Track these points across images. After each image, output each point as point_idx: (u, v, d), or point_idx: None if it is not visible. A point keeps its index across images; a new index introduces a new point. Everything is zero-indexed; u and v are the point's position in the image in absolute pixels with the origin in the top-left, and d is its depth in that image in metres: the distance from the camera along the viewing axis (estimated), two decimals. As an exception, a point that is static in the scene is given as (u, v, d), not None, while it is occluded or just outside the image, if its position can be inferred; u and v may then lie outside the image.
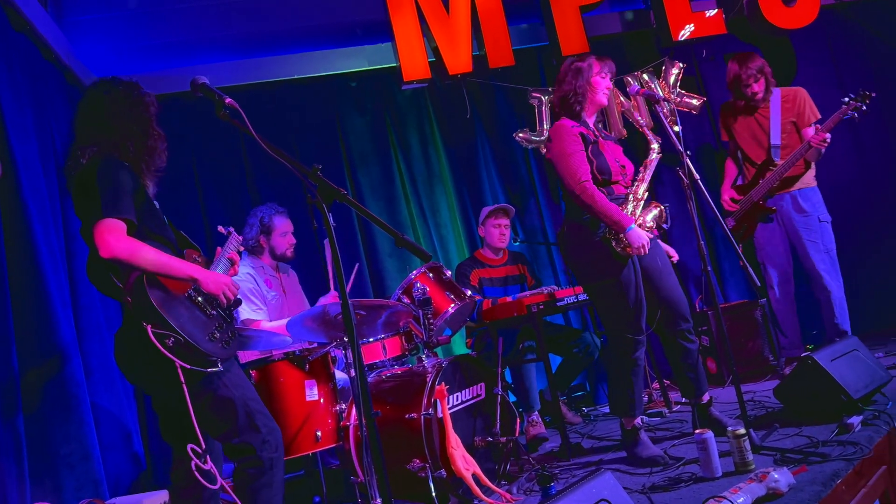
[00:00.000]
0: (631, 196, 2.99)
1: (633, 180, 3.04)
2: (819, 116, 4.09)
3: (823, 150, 3.86)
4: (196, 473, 2.01)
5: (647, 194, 3.02)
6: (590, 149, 2.96)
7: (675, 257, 3.07)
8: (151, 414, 3.68)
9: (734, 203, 4.18)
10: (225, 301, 2.18)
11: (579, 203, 2.91)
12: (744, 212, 4.09)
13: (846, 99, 3.83)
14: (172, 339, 1.98)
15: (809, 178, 4.05)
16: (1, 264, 2.55)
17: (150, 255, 2.02)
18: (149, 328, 1.96)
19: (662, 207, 2.99)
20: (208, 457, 2.05)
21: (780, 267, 4.06)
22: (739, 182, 4.25)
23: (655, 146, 3.05)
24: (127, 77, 2.27)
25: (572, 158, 2.91)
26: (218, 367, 2.09)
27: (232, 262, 2.42)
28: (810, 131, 4.00)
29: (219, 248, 2.44)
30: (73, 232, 3.19)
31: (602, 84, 3.02)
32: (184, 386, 1.99)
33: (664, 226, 3.05)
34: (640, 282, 2.93)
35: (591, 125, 3.07)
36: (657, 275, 3.01)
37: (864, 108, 3.80)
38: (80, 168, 2.11)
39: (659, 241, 3.13)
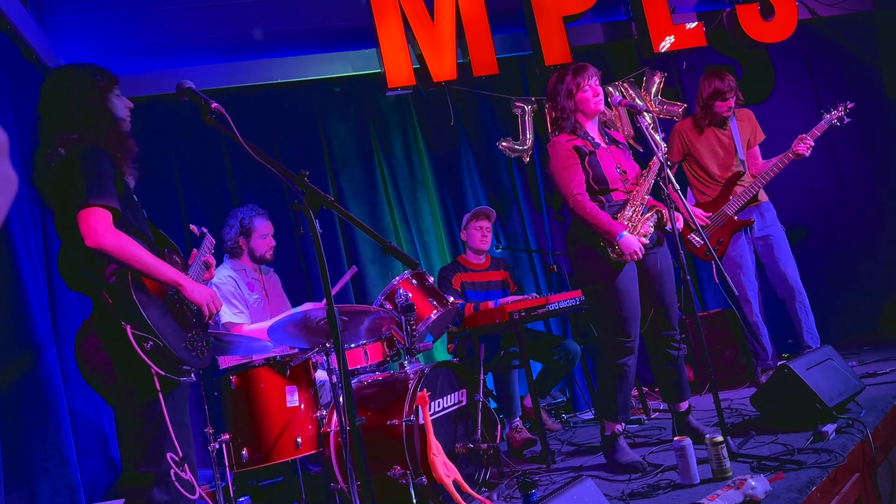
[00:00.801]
0: (629, 201, 3.02)
1: (636, 185, 3.06)
2: (764, 137, 4.21)
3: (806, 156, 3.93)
4: (176, 483, 1.96)
5: (647, 198, 3.04)
6: (586, 160, 3.01)
7: (679, 222, 3.05)
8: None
9: (705, 218, 4.21)
10: (207, 313, 2.13)
11: (575, 216, 3.01)
12: (717, 227, 4.14)
13: (831, 109, 3.95)
14: (151, 342, 1.91)
15: (763, 194, 4.16)
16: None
17: (137, 252, 1.94)
18: (128, 328, 1.88)
19: (663, 211, 3.02)
20: (186, 466, 2.01)
21: (752, 280, 4.12)
22: (691, 200, 4.27)
23: (658, 152, 3.03)
24: (88, 64, 2.19)
25: (565, 173, 3.00)
26: (191, 377, 2.03)
27: (207, 266, 2.39)
28: (757, 151, 4.18)
29: (195, 251, 2.41)
30: (52, 235, 3.15)
31: (589, 98, 3.04)
32: (160, 393, 1.92)
33: (667, 228, 3.08)
34: (634, 289, 2.98)
35: (591, 135, 3.10)
36: (655, 278, 3.06)
37: (846, 118, 3.93)
38: (60, 157, 2.00)
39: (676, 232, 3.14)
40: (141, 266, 1.96)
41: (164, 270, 2.03)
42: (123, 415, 1.99)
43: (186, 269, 2.24)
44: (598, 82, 3.09)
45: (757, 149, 4.22)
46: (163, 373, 1.92)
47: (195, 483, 2.03)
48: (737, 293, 2.91)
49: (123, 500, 2.61)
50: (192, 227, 2.42)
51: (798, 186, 4.35)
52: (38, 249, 3.03)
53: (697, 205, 4.17)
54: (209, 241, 2.40)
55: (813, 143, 3.90)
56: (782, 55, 5.39)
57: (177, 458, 1.97)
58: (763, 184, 4.01)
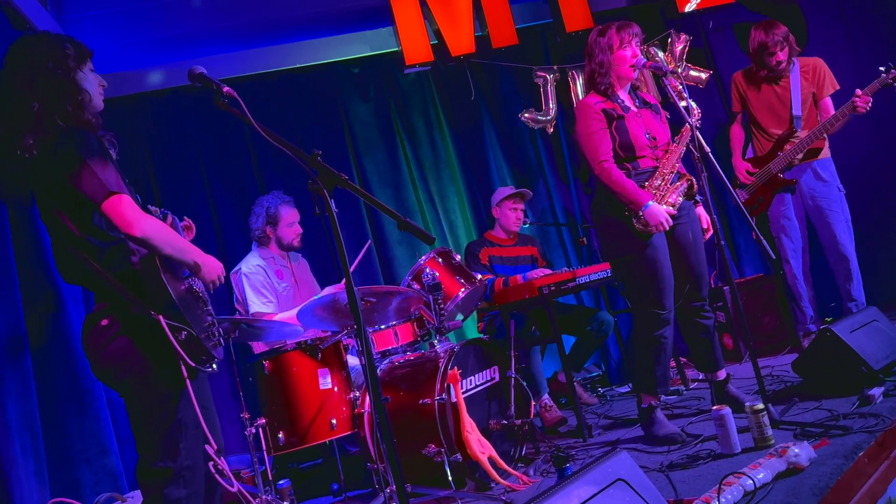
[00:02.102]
0: (659, 170, 2.93)
1: (666, 152, 2.97)
2: (838, 87, 4.00)
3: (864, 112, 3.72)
4: (215, 474, 1.92)
5: (678, 166, 2.95)
6: (614, 125, 2.92)
7: (710, 230, 2.99)
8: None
9: (749, 175, 4.09)
10: (212, 288, 2.05)
11: (600, 183, 2.93)
12: (760, 184, 4.01)
13: (888, 67, 3.74)
14: (185, 332, 1.84)
15: (826, 150, 3.98)
16: (11, 265, 2.55)
17: (169, 236, 1.88)
18: (161, 319, 1.81)
19: (693, 180, 2.93)
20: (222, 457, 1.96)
21: (796, 240, 3.99)
22: (749, 154, 4.16)
23: (690, 119, 2.92)
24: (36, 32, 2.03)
25: (592, 138, 2.91)
26: (213, 367, 1.95)
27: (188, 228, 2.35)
28: (828, 103, 3.94)
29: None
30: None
31: (626, 57, 2.94)
32: (188, 382, 1.87)
33: (698, 198, 2.99)
34: (665, 259, 2.90)
35: (620, 98, 3.00)
36: (687, 248, 2.98)
37: None
38: (47, 146, 1.86)
39: (700, 209, 3.06)
40: (173, 249, 1.88)
41: (190, 251, 1.95)
42: (138, 407, 1.91)
43: None
44: (639, 44, 2.98)
45: (828, 101, 3.96)
46: (193, 364, 1.86)
47: (229, 472, 2.01)
48: (772, 255, 2.80)
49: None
50: (153, 208, 2.28)
51: (836, 146, 4.19)
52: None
53: (753, 158, 4.06)
54: (177, 223, 2.30)
55: (871, 99, 3.70)
56: (815, 7, 5.17)
57: (214, 448, 1.94)
58: (813, 141, 3.84)
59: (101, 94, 2.04)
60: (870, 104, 3.68)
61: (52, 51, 1.93)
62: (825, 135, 3.84)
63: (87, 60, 2.01)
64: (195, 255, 1.96)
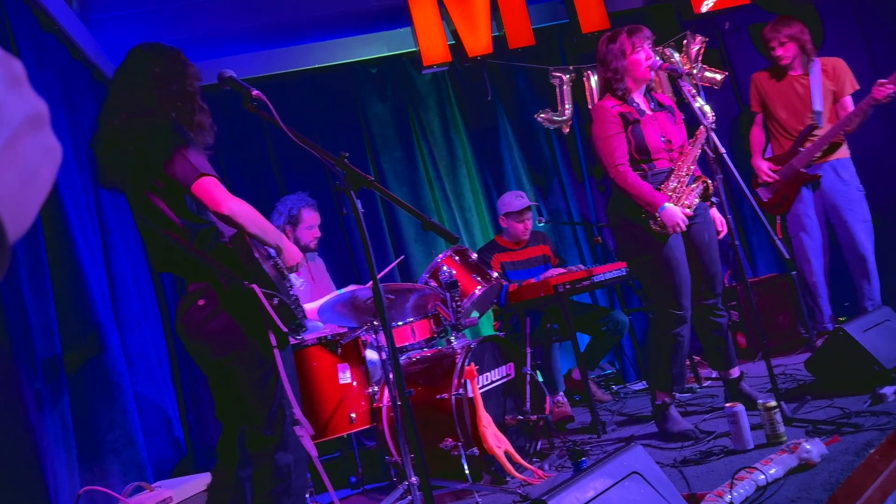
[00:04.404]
0: (674, 172, 2.97)
1: (681, 153, 3.00)
2: (858, 87, 4.02)
3: (887, 101, 3.75)
4: (301, 439, 1.95)
5: (694, 168, 2.99)
6: (629, 129, 2.96)
7: (724, 231, 3.03)
8: (190, 402, 3.78)
9: (772, 174, 4.11)
10: (291, 273, 2.15)
11: (616, 186, 2.98)
12: (784, 182, 4.02)
13: None
14: (277, 299, 1.91)
15: (845, 149, 4.01)
16: (42, 259, 2.63)
17: (254, 216, 1.97)
18: (255, 288, 1.88)
19: (709, 182, 2.96)
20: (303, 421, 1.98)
21: (816, 238, 4.00)
22: (769, 153, 4.18)
23: (705, 120, 2.93)
24: (169, 46, 2.15)
25: (608, 142, 2.96)
26: (301, 335, 2.05)
27: None
28: (848, 101, 3.97)
29: None
30: (108, 226, 3.28)
31: (641, 60, 2.97)
32: (275, 349, 1.93)
33: (713, 199, 3.03)
34: (682, 258, 2.94)
35: (636, 101, 3.04)
36: (703, 248, 3.02)
37: None
38: (142, 136, 1.95)
39: (714, 211, 3.10)
40: (258, 229, 1.96)
41: (274, 232, 2.05)
42: (243, 380, 1.96)
43: None
44: (651, 45, 3.02)
45: (848, 99, 4.00)
46: (286, 329, 1.93)
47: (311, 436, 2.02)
48: (786, 255, 2.83)
49: (188, 476, 2.74)
50: None
51: (853, 146, 4.21)
52: (97, 240, 3.16)
53: (773, 157, 4.08)
54: None
55: (894, 88, 3.72)
56: (831, 8, 5.17)
57: (296, 415, 1.98)
58: (831, 138, 3.86)
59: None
60: (892, 93, 3.68)
61: (170, 60, 2.07)
62: (845, 132, 3.86)
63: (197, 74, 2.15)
64: (278, 237, 2.06)
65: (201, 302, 1.97)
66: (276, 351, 1.92)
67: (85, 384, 2.77)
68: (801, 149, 3.94)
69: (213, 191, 1.90)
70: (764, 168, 4.08)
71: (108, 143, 1.98)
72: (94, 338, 2.84)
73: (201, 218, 2.00)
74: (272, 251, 2.06)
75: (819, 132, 3.93)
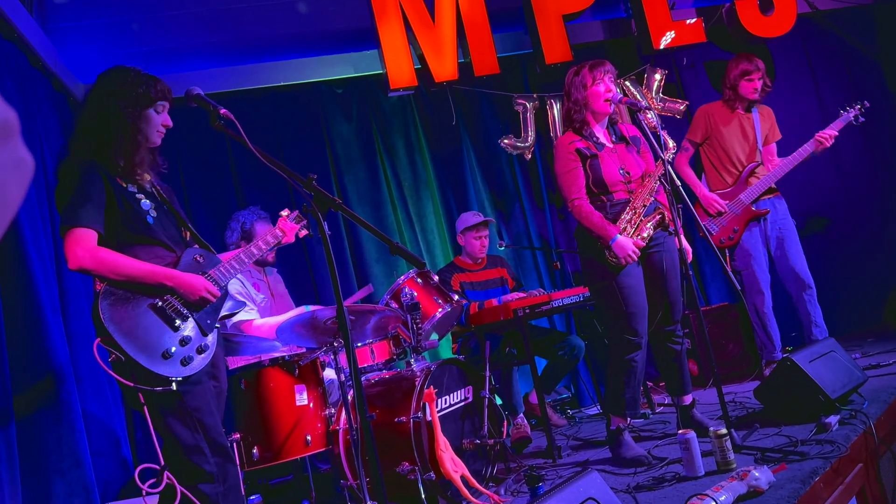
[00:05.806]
0: (630, 204, 3.05)
1: (641, 185, 3.08)
2: (780, 137, 4.23)
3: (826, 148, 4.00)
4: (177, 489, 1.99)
5: (651, 199, 3.06)
6: (587, 163, 3.04)
7: (690, 257, 3.10)
8: (139, 421, 3.68)
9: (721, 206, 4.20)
10: (213, 300, 2.12)
11: (574, 219, 3.09)
12: (733, 216, 4.15)
13: (847, 108, 4.09)
14: (115, 355, 1.91)
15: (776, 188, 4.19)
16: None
17: (117, 267, 1.96)
18: (97, 341, 1.91)
19: (665, 213, 3.04)
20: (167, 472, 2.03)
21: (765, 271, 4.13)
22: (703, 184, 4.28)
23: (663, 154, 2.97)
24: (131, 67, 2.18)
25: (566, 177, 3.07)
26: (170, 387, 1.96)
27: None
28: (773, 148, 4.20)
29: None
30: (62, 239, 3.20)
31: (600, 93, 3.06)
32: (140, 396, 1.95)
33: (670, 229, 3.09)
34: (639, 286, 3.01)
35: (596, 135, 3.12)
36: (662, 276, 3.09)
37: (861, 118, 4.08)
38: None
39: (679, 237, 3.16)
40: (124, 279, 1.97)
41: (148, 274, 2.01)
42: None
43: (212, 266, 2.23)
44: (612, 80, 3.10)
45: (774, 146, 4.22)
46: (130, 384, 1.92)
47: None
48: (738, 286, 2.93)
49: (134, 499, 2.67)
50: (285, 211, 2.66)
51: (800, 179, 4.39)
52: (49, 252, 3.07)
53: (720, 192, 4.17)
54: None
55: (836, 134, 3.95)
56: (782, 50, 5.41)
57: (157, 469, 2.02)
58: (780, 175, 4.04)
59: (160, 133, 2.19)
60: (833, 138, 3.92)
61: (126, 90, 2.11)
62: (785, 172, 4.04)
63: (154, 103, 2.15)
64: (160, 277, 2.03)
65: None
66: (144, 408, 1.95)
67: (32, 401, 2.67)
68: (748, 185, 4.08)
69: (69, 245, 1.93)
70: (711, 201, 4.12)
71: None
72: (44, 353, 2.75)
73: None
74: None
75: (760, 171, 4.09)
